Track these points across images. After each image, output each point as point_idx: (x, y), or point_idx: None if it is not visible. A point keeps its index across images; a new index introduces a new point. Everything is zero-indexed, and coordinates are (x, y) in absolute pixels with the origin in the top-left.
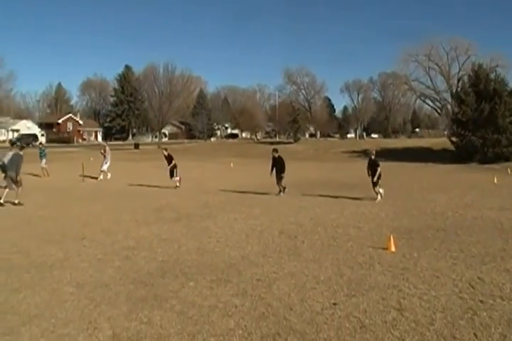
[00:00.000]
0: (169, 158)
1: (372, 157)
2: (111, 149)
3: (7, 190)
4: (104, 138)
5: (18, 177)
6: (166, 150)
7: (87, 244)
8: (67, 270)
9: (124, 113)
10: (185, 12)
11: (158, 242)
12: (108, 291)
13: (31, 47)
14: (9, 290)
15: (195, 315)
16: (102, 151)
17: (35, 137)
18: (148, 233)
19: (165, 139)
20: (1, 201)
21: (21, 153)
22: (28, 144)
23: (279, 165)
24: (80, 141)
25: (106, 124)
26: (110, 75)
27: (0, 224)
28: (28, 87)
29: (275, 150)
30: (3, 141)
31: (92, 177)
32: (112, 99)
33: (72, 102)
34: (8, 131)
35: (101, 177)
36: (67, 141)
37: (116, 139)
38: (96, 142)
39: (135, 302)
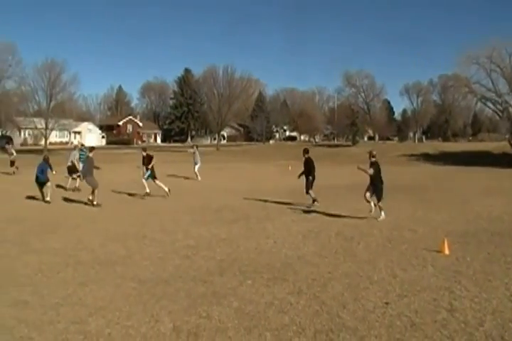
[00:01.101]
0: (148, 159)
1: (373, 159)
2: (172, 151)
3: (96, 190)
4: (164, 140)
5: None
6: (145, 150)
7: (148, 243)
8: (130, 267)
9: (184, 115)
10: (243, 14)
11: (217, 242)
12: (168, 287)
13: (93, 52)
14: (76, 284)
15: (252, 311)
16: (191, 151)
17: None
18: (207, 233)
19: (223, 141)
20: (95, 202)
21: (91, 155)
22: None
23: (307, 168)
24: (140, 142)
25: (165, 126)
26: (170, 78)
27: (67, 223)
28: (90, 90)
29: (305, 151)
30: (66, 143)
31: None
32: (171, 102)
33: (132, 105)
34: (70, 133)
35: (199, 177)
36: (127, 142)
37: (175, 141)
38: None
39: (194, 298)
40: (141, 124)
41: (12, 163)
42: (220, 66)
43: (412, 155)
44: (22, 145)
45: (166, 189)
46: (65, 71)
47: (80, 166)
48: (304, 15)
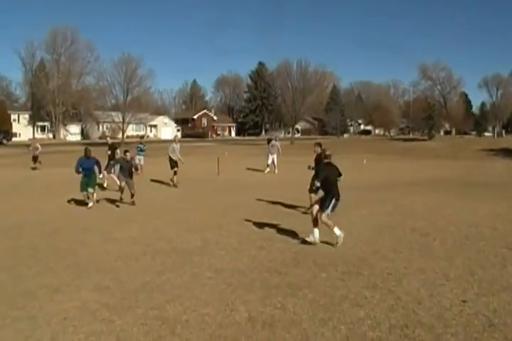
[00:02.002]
0: (113, 149)
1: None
2: (246, 144)
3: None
4: (238, 133)
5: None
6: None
7: (224, 234)
8: (206, 256)
9: (258, 109)
10: (318, 7)
11: (292, 234)
12: (244, 278)
13: (168, 46)
14: (154, 272)
15: (327, 303)
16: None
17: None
18: (282, 225)
19: (297, 135)
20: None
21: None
22: None
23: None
24: (214, 136)
25: (239, 120)
26: (244, 72)
27: (145, 213)
28: (165, 84)
29: (318, 145)
30: (142, 136)
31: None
32: (245, 95)
33: (207, 98)
34: (146, 127)
35: (276, 171)
36: (201, 135)
37: (249, 134)
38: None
39: (269, 289)
40: (215, 118)
41: (35, 159)
42: (293, 59)
43: (491, 150)
44: (100, 138)
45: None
46: (140, 66)
47: (140, 161)
48: (378, 8)
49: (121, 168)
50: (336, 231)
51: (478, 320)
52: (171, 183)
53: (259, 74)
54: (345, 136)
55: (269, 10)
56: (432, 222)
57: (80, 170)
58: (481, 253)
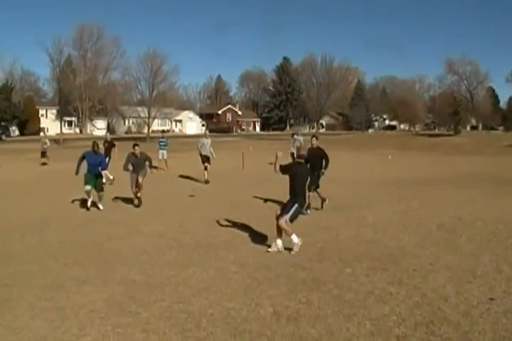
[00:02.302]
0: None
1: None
2: (271, 139)
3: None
4: (262, 128)
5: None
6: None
7: (249, 228)
8: (231, 251)
9: (282, 104)
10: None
11: (317, 229)
12: (269, 272)
13: (192, 41)
14: (179, 266)
15: (352, 299)
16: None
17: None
18: (307, 220)
19: (322, 130)
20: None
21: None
22: None
23: (315, 160)
24: (239, 131)
25: (264, 115)
26: (268, 67)
27: (170, 208)
28: (190, 79)
29: (315, 138)
30: (167, 131)
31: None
32: (270, 91)
33: (231, 94)
34: (171, 122)
35: None
36: (226, 130)
37: (274, 129)
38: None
39: (294, 284)
40: (240, 113)
41: (43, 154)
42: (318, 54)
43: None
44: (126, 133)
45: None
46: (166, 61)
47: (162, 154)
48: (405, 2)
49: (132, 165)
50: (294, 238)
51: (506, 319)
52: (204, 178)
53: (283, 70)
54: (370, 131)
55: (293, 5)
56: (458, 218)
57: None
58: (509, 251)
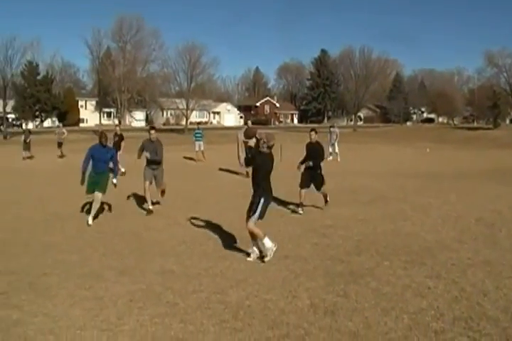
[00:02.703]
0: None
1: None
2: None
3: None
4: (300, 120)
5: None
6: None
7: (286, 221)
8: None
9: (320, 96)
10: None
11: (354, 222)
12: (306, 265)
13: (231, 34)
14: (217, 257)
15: (389, 292)
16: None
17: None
18: (344, 213)
19: (360, 122)
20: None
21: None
22: None
23: (315, 155)
24: (277, 123)
25: (302, 107)
26: (306, 59)
27: (208, 199)
28: (228, 71)
29: (314, 131)
30: (205, 123)
31: None
32: (308, 83)
33: (269, 86)
34: (209, 113)
35: (338, 158)
36: (264, 123)
37: (311, 122)
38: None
39: (332, 277)
40: (278, 105)
41: (60, 145)
42: (356, 47)
43: None
44: (164, 124)
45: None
46: (204, 53)
47: (199, 145)
48: None
49: (144, 151)
50: (267, 242)
51: None
52: (244, 173)
53: (321, 62)
54: (408, 123)
55: None
56: (497, 212)
57: (90, 163)
58: None
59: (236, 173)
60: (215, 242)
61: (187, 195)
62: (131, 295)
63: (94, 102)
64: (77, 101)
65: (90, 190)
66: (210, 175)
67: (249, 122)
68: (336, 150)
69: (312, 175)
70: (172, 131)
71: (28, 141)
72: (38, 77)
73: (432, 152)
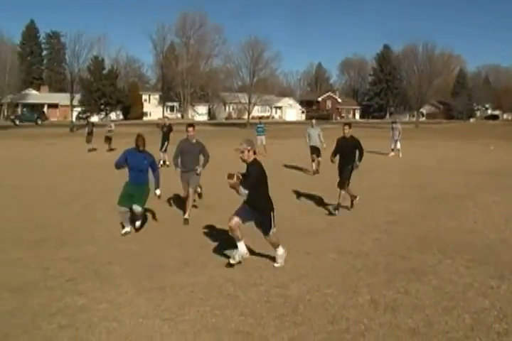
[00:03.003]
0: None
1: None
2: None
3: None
4: (362, 116)
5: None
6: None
7: (348, 216)
8: (330, 238)
9: (382, 92)
10: None
11: (417, 218)
12: (367, 260)
13: (293, 29)
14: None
15: (451, 291)
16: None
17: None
18: (406, 209)
19: (422, 119)
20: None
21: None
22: (34, 121)
23: (348, 151)
24: (338, 118)
25: (364, 103)
26: (369, 55)
27: (271, 195)
28: (290, 66)
29: (348, 126)
30: (266, 117)
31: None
32: (370, 78)
33: (331, 81)
34: (271, 108)
35: (400, 154)
36: (326, 118)
37: (373, 117)
38: (353, 119)
39: (393, 273)
40: (340, 100)
41: (108, 139)
42: (419, 42)
43: None
44: (226, 118)
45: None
46: (267, 48)
47: (261, 140)
48: None
49: (182, 154)
50: (241, 247)
51: None
52: (313, 169)
53: (384, 57)
54: (471, 120)
55: None
56: None
57: (124, 168)
58: None
59: (300, 169)
60: (277, 236)
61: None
62: (193, 287)
63: (157, 96)
64: (141, 96)
65: (124, 202)
66: (276, 171)
67: (313, 121)
68: (398, 147)
69: (341, 169)
70: (234, 125)
71: (91, 133)
72: (104, 72)
73: (496, 149)
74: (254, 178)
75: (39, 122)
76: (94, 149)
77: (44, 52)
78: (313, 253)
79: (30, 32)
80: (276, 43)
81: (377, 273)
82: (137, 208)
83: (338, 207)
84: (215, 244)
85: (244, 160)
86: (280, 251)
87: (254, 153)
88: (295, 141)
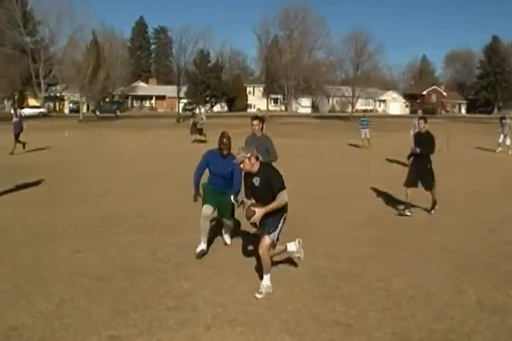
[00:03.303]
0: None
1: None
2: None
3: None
4: (468, 110)
5: None
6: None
7: (455, 213)
8: (434, 234)
9: (490, 85)
10: None
11: None
12: (473, 259)
13: (398, 21)
14: (382, 244)
15: None
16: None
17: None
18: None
19: None
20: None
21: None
22: (113, 112)
23: (426, 147)
24: (443, 112)
25: (470, 97)
26: (476, 47)
27: (372, 187)
28: (394, 59)
29: (422, 120)
30: (371, 111)
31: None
32: (477, 71)
33: (436, 74)
34: (375, 101)
35: (510, 151)
36: (430, 112)
37: (480, 112)
38: (459, 114)
39: (501, 274)
40: (445, 94)
41: (200, 131)
42: None
43: None
44: (330, 111)
45: None
46: (370, 41)
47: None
48: None
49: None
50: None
51: None
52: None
53: (493, 49)
54: None
55: None
56: None
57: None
58: None
59: (404, 164)
60: (381, 229)
61: (352, 182)
62: (296, 276)
63: (261, 88)
64: (245, 88)
65: (209, 201)
66: (379, 165)
67: (420, 111)
68: (507, 143)
69: (420, 171)
70: (338, 117)
71: (195, 124)
72: (209, 65)
73: None
74: (280, 179)
75: (118, 113)
76: (199, 141)
77: (152, 47)
78: (416, 249)
79: (140, 27)
80: (380, 35)
81: (484, 273)
82: (227, 222)
83: (408, 206)
84: (321, 234)
85: (249, 171)
86: (295, 249)
87: (257, 158)
88: (400, 135)
